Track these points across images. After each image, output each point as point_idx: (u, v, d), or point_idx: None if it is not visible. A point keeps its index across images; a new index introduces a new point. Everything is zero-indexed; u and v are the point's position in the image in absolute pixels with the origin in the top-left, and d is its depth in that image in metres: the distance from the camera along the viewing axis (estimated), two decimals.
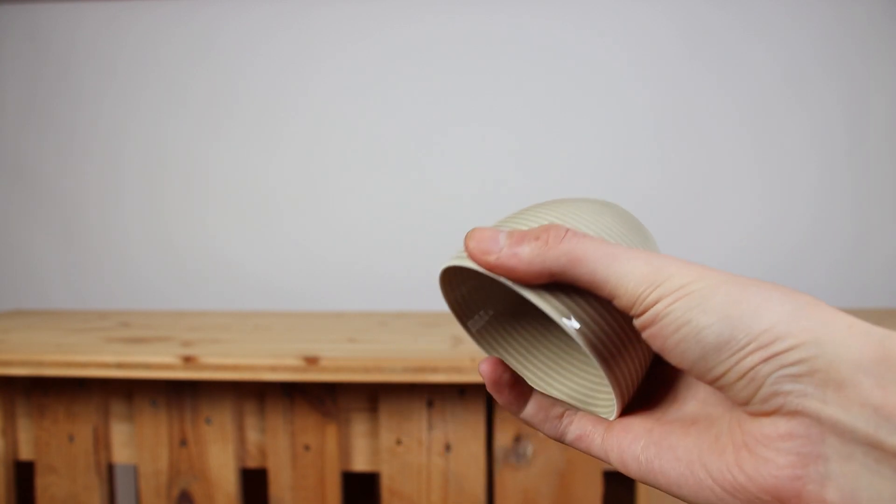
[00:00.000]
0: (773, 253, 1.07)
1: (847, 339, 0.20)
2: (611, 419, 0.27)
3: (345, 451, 0.74)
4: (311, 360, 0.67)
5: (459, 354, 0.68)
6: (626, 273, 0.23)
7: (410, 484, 0.72)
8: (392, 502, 0.73)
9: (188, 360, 0.69)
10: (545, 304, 0.24)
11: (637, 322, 0.23)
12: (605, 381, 0.28)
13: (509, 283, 0.25)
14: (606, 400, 0.29)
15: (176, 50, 1.12)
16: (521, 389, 0.28)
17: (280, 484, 0.74)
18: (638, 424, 0.26)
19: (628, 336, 0.25)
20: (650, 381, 0.29)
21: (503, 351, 0.32)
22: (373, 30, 1.09)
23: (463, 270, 0.29)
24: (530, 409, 0.28)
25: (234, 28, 1.11)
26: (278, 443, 0.74)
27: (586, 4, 1.07)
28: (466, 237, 0.25)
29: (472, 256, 0.25)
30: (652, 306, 0.22)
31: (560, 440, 0.28)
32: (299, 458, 0.73)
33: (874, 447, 0.19)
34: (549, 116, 1.08)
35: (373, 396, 0.73)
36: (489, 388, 0.28)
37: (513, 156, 1.09)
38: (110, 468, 0.77)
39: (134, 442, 0.76)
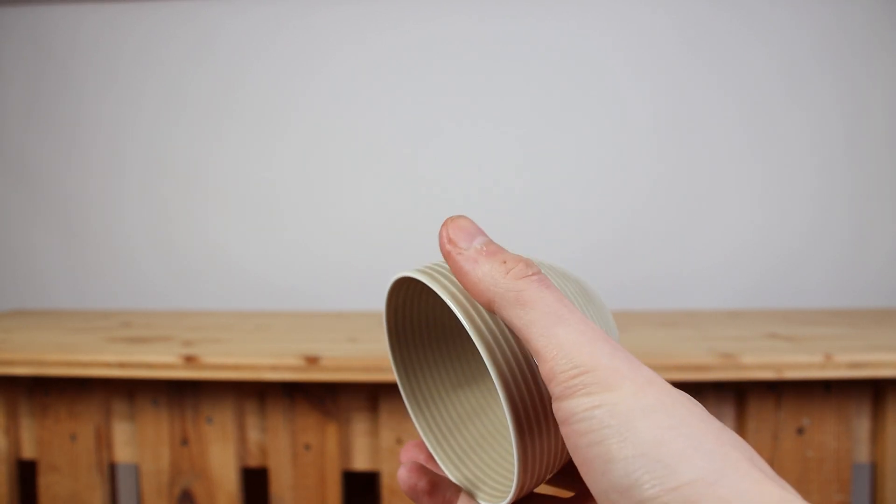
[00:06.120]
0: (772, 253, 1.07)
1: None
2: None
3: (345, 450, 0.74)
4: (312, 360, 0.68)
5: None
6: (561, 340, 0.20)
7: None
8: (392, 501, 0.73)
9: (189, 360, 0.69)
10: (470, 323, 0.22)
11: (554, 407, 0.20)
12: (506, 467, 0.27)
13: (444, 296, 0.23)
14: (500, 483, 0.27)
15: (177, 51, 1.12)
16: (441, 498, 0.27)
17: (281, 483, 0.74)
18: None
19: (547, 411, 0.23)
20: None
21: (420, 407, 0.29)
22: (371, 31, 1.09)
23: (411, 287, 0.27)
24: None
25: (235, 30, 1.11)
26: (279, 442, 0.74)
27: (586, 4, 1.07)
28: (448, 219, 0.24)
29: (439, 236, 0.23)
30: (569, 397, 0.19)
31: None
32: (300, 457, 0.74)
33: None
34: (548, 116, 1.08)
35: (373, 396, 0.74)
36: (407, 496, 0.26)
37: (513, 156, 1.09)
38: (112, 467, 0.78)
39: (135, 441, 0.76)
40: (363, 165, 1.11)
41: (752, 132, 1.06)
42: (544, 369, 0.20)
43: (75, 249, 1.16)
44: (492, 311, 0.22)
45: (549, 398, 0.22)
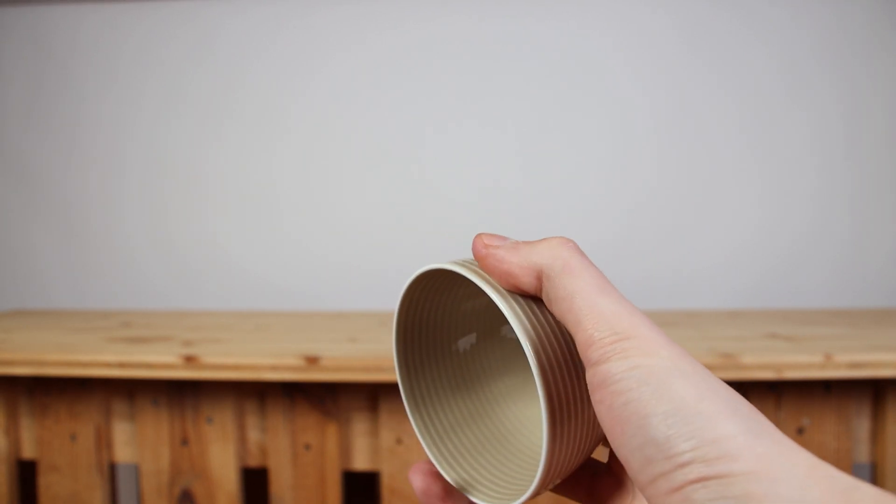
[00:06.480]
0: (772, 253, 1.07)
1: (806, 483, 0.16)
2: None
3: (345, 450, 0.74)
4: (312, 360, 0.68)
5: None
6: (603, 309, 0.21)
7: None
8: (392, 501, 0.73)
9: (189, 360, 0.69)
10: (507, 306, 0.23)
11: (589, 374, 0.20)
12: (504, 471, 0.27)
13: (479, 282, 0.24)
14: (497, 486, 0.27)
15: (176, 51, 1.12)
16: (452, 502, 0.27)
17: (281, 483, 0.74)
18: None
19: (582, 396, 0.23)
20: None
21: (421, 412, 0.29)
22: (371, 32, 1.09)
23: (436, 280, 0.27)
24: None
25: (234, 30, 1.11)
26: (279, 442, 0.74)
27: (586, 4, 1.07)
28: (478, 234, 0.25)
29: (473, 246, 0.25)
30: (607, 360, 0.20)
31: None
32: (300, 457, 0.74)
33: None
34: (549, 117, 1.08)
35: (373, 396, 0.74)
36: (420, 499, 0.27)
37: (513, 156, 1.09)
38: (112, 467, 0.78)
39: (136, 441, 0.76)
40: (363, 165, 1.11)
41: (752, 132, 1.06)
42: (583, 337, 0.20)
43: (75, 249, 1.16)
44: (534, 291, 0.23)
45: (582, 385, 0.23)
